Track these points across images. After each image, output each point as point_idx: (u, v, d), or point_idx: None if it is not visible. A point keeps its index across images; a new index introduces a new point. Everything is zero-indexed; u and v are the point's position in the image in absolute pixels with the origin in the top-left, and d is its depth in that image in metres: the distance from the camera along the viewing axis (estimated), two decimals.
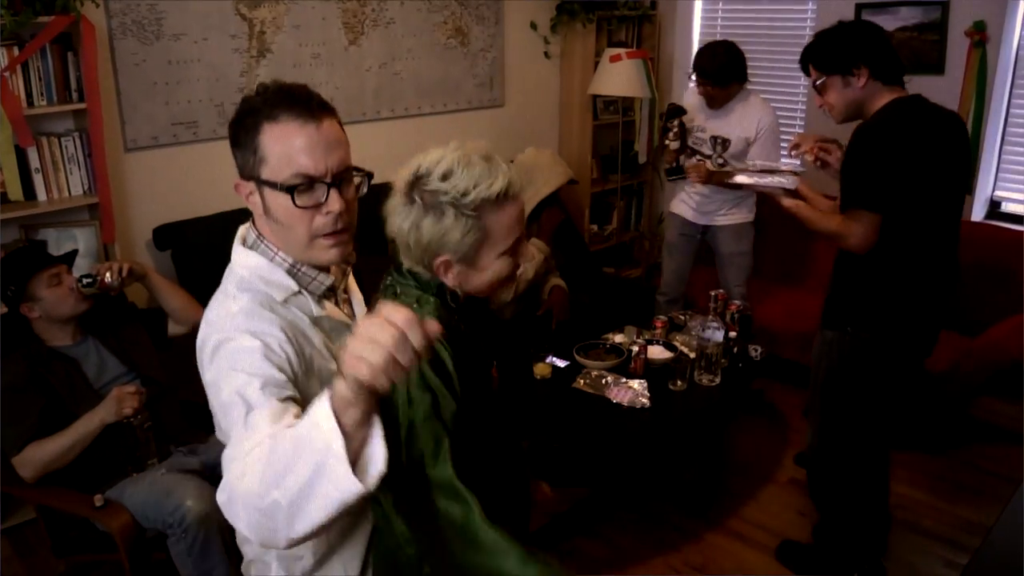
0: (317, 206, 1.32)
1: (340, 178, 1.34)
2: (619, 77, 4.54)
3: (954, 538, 3.02)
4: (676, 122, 3.64)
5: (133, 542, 2.33)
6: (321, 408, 1.03)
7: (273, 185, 1.31)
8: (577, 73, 4.84)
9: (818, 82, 2.45)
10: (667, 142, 3.67)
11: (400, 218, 1.34)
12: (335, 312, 1.47)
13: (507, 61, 4.67)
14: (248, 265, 1.39)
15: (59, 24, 2.93)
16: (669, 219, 4.11)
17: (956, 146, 2.41)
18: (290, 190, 1.30)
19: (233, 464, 1.14)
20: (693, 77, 3.66)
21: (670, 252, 4.10)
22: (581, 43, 4.78)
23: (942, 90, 3.36)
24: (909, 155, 2.30)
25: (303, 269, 1.41)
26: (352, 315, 1.54)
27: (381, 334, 0.97)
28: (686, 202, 3.93)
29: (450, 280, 1.38)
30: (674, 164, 3.72)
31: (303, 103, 1.30)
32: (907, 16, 4.03)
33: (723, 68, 3.54)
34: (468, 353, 1.38)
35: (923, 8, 4.00)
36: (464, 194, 1.28)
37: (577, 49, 4.81)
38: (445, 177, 1.29)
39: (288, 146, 1.29)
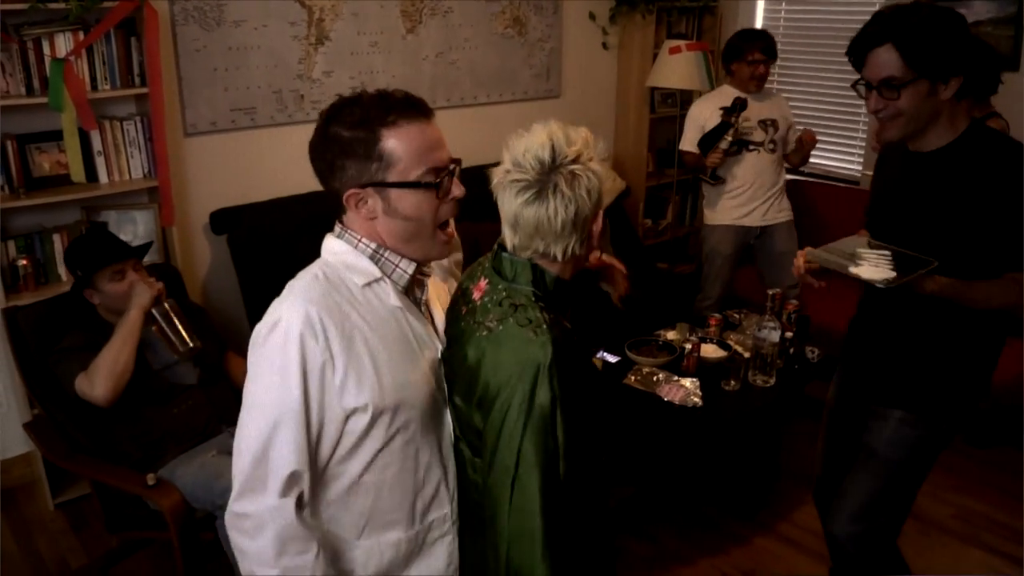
0: (444, 196, 1.44)
1: (454, 168, 1.47)
2: (678, 69, 4.45)
3: (1016, 554, 2.91)
4: (736, 117, 3.58)
5: (183, 521, 2.35)
6: None
7: (404, 185, 1.40)
8: (635, 65, 4.77)
9: (904, 81, 1.83)
10: (727, 137, 3.62)
11: (540, 208, 1.36)
12: (412, 307, 1.51)
13: (564, 51, 4.62)
14: (334, 251, 1.48)
15: (123, 9, 2.97)
16: (719, 232, 3.93)
17: None
18: (427, 185, 1.41)
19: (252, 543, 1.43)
20: (747, 58, 3.68)
21: (724, 264, 3.95)
22: (640, 34, 4.71)
23: (1017, 87, 3.23)
24: None
25: (386, 255, 1.47)
26: (431, 320, 1.57)
27: None
28: (748, 207, 3.82)
29: (594, 239, 1.43)
30: (719, 164, 3.74)
31: (416, 107, 1.43)
32: (980, 10, 3.89)
33: (774, 41, 3.72)
34: (577, 350, 1.41)
35: (998, 2, 3.85)
36: (580, 154, 1.37)
37: (636, 40, 4.74)
38: (570, 146, 1.38)
39: (416, 146, 1.40)
